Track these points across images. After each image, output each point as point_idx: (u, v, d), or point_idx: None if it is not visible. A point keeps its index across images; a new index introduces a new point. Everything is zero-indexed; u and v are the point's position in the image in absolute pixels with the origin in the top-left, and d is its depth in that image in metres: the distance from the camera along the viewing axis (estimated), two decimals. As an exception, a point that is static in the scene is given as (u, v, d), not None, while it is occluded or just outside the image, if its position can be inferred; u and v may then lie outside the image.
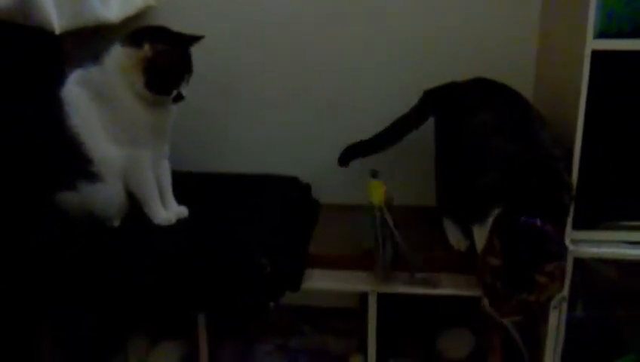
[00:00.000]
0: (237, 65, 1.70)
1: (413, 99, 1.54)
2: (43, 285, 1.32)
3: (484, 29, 1.60)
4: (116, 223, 1.40)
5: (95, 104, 1.34)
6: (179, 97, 1.36)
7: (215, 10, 1.68)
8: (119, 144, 1.35)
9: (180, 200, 1.45)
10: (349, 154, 1.57)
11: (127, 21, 1.59)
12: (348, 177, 1.72)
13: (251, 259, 1.26)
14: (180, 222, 1.42)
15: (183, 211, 1.43)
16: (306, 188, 1.69)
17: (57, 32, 1.47)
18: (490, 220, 1.21)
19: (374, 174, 1.47)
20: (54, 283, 1.32)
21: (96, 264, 1.31)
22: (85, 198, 1.35)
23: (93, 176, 1.34)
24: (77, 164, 1.34)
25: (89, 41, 1.54)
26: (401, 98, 1.56)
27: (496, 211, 1.21)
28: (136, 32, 1.36)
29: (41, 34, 1.46)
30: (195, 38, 1.37)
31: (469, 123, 1.35)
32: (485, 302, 1.30)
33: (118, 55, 1.33)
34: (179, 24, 1.59)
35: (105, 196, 1.36)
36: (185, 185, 1.49)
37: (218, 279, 1.28)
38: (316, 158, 1.73)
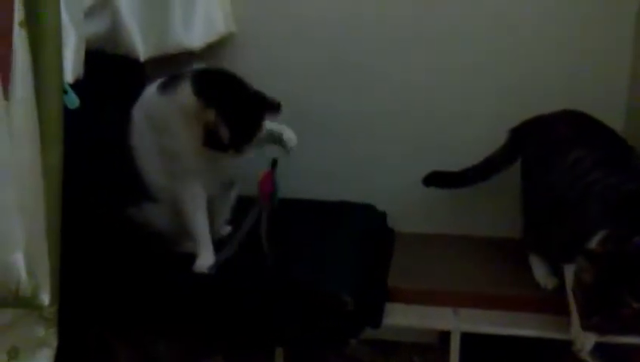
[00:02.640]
0: (317, 91, 1.68)
1: (498, 135, 1.50)
2: (118, 303, 1.32)
3: (575, 60, 1.55)
4: (190, 248, 1.37)
5: (152, 131, 1.32)
6: (239, 152, 1.30)
7: (294, 37, 1.67)
8: (170, 175, 1.32)
9: (254, 226, 1.41)
10: (435, 179, 1.56)
11: (209, 47, 1.60)
12: (423, 205, 1.69)
13: (334, 297, 1.23)
14: (257, 250, 1.39)
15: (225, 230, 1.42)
16: (382, 216, 1.66)
17: (142, 59, 1.51)
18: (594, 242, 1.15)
19: (274, 164, 1.40)
20: (132, 303, 1.32)
21: (174, 288, 1.31)
22: (148, 218, 1.35)
23: (149, 197, 1.33)
24: (133, 182, 1.33)
25: (171, 64, 1.56)
26: (485, 133, 1.54)
27: (601, 233, 1.14)
28: (210, 82, 1.30)
29: (127, 61, 1.50)
30: (270, 107, 1.30)
31: (561, 159, 1.30)
32: (576, 345, 1.25)
33: (185, 99, 1.28)
34: (258, 50, 1.60)
35: (163, 218, 1.35)
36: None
37: (299, 314, 1.25)
38: (391, 185, 1.70)
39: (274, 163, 1.39)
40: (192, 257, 1.36)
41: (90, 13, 1.36)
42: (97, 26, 1.39)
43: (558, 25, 1.55)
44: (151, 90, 1.35)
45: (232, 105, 1.27)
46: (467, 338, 1.37)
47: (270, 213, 1.39)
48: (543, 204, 1.36)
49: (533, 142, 1.43)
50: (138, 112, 1.35)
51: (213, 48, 1.63)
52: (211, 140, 1.27)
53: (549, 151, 1.35)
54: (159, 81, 1.35)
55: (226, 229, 1.43)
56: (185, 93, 1.28)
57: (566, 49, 1.56)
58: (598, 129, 1.36)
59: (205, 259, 1.34)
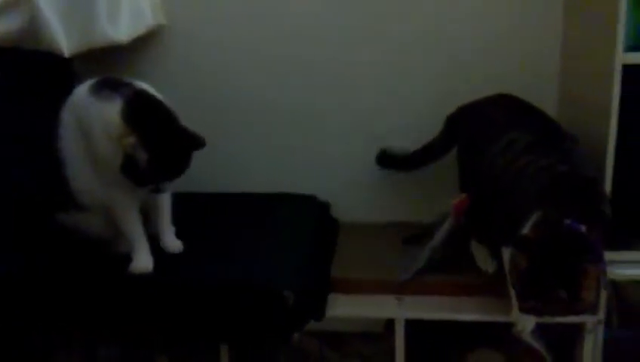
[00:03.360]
0: (252, 84, 1.65)
1: (432, 119, 1.50)
2: (57, 311, 1.28)
3: (507, 44, 1.56)
4: (126, 249, 1.32)
5: (81, 134, 1.25)
6: (156, 190, 1.25)
7: (226, 30, 1.63)
8: (100, 180, 1.27)
9: (194, 222, 1.40)
10: (385, 159, 1.61)
11: (138, 40, 1.55)
12: (367, 194, 1.69)
13: (274, 293, 1.21)
14: (197, 247, 1.36)
15: (177, 246, 1.34)
16: (325, 206, 1.64)
17: (67, 54, 1.44)
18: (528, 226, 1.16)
19: None
20: (69, 310, 1.28)
21: (114, 292, 1.27)
22: (78, 223, 1.31)
23: (77, 205, 1.29)
24: (62, 190, 1.28)
25: (102, 60, 1.50)
26: (420, 117, 1.54)
27: (534, 217, 1.15)
28: (139, 107, 1.22)
29: (51, 57, 1.43)
30: (193, 144, 1.22)
31: (495, 142, 1.31)
32: (517, 326, 1.27)
33: (112, 116, 1.21)
34: (189, 43, 1.56)
35: (95, 225, 1.31)
36: (199, 206, 1.45)
37: (238, 311, 1.23)
38: (334, 175, 1.69)
39: None
40: (128, 257, 1.32)
41: (3, 8, 1.29)
42: (12, 22, 1.32)
43: (490, 10, 1.56)
44: (82, 90, 1.29)
45: (154, 135, 1.20)
46: (413, 325, 1.37)
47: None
48: (478, 189, 1.37)
49: (468, 127, 1.44)
50: (67, 113, 1.29)
51: (142, 41, 1.57)
52: (128, 168, 1.20)
53: (483, 135, 1.36)
54: (92, 80, 1.29)
55: (172, 229, 1.38)
56: (113, 110, 1.21)
57: (499, 34, 1.56)
58: (530, 112, 1.37)
59: (141, 261, 1.29)
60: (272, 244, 1.39)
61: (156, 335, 1.31)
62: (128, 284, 1.28)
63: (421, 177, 1.66)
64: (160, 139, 1.21)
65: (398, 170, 1.61)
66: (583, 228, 1.09)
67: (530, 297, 1.11)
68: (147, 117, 1.22)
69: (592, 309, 1.17)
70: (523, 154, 1.25)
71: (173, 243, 1.35)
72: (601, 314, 1.30)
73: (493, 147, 1.30)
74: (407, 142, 1.57)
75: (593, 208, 1.15)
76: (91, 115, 1.24)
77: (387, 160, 1.62)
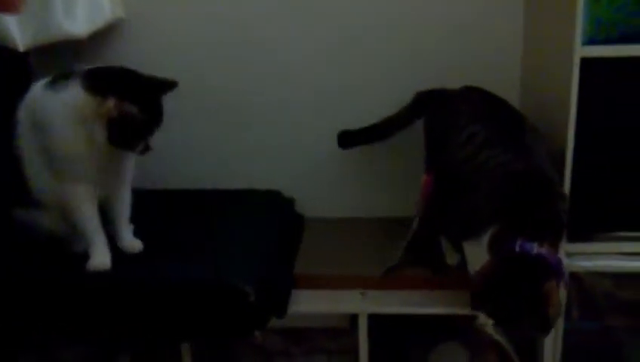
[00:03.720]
0: (212, 79, 1.63)
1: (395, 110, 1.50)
2: (16, 312, 1.26)
3: (470, 35, 1.55)
4: (83, 248, 1.30)
5: (35, 131, 1.23)
6: (145, 149, 1.24)
7: (187, 22, 1.60)
8: (56, 176, 1.24)
9: (153, 219, 1.38)
10: (346, 139, 1.57)
11: (97, 35, 1.52)
12: (331, 189, 1.69)
13: (234, 289, 1.20)
14: (157, 244, 1.34)
15: (136, 246, 1.32)
16: (290, 202, 1.63)
17: (21, 49, 1.41)
18: (486, 238, 1.18)
19: None
20: (28, 310, 1.26)
21: (73, 291, 1.25)
22: (35, 220, 1.28)
23: (34, 203, 1.26)
24: (19, 188, 1.26)
25: (60, 56, 1.46)
26: (383, 108, 1.52)
27: (491, 229, 1.17)
28: (101, 76, 1.22)
29: (5, 52, 1.39)
30: (167, 86, 1.24)
31: (459, 134, 1.31)
32: (479, 319, 1.27)
33: (77, 98, 1.19)
34: (148, 37, 1.54)
35: (52, 223, 1.28)
36: (158, 203, 1.43)
37: (199, 309, 1.22)
38: (298, 170, 1.68)
39: None
40: (85, 256, 1.30)
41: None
42: (-39, 15, 1.28)
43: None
44: (37, 87, 1.26)
45: (130, 85, 1.21)
46: (378, 320, 1.37)
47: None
48: (440, 182, 1.37)
49: (434, 113, 1.44)
50: (23, 112, 1.26)
51: (100, 35, 1.54)
52: (117, 136, 1.19)
53: (446, 125, 1.36)
54: (46, 78, 1.26)
55: (130, 227, 1.35)
56: (75, 92, 1.19)
57: (462, 25, 1.56)
58: (495, 105, 1.37)
59: (99, 258, 1.27)
60: (234, 241, 1.37)
61: (117, 334, 1.29)
62: (87, 283, 1.25)
63: (386, 172, 1.67)
64: (137, 87, 1.21)
65: (362, 144, 1.57)
66: (536, 248, 1.11)
67: (497, 321, 1.14)
68: (112, 78, 1.22)
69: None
70: (483, 149, 1.25)
71: (131, 242, 1.33)
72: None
73: (455, 139, 1.30)
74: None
75: (549, 216, 1.17)
76: (49, 109, 1.22)
77: (348, 138, 1.58)
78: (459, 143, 1.29)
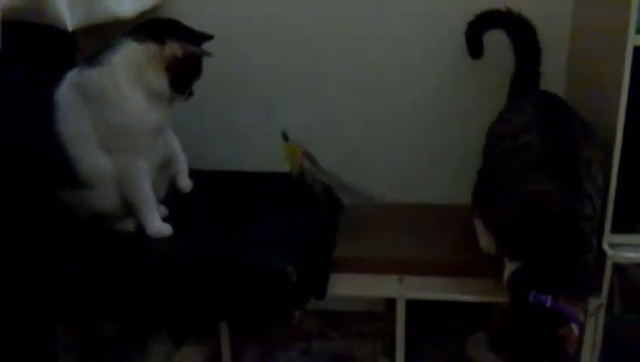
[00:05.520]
0: (251, 63, 1.64)
1: (427, 103, 1.54)
2: (56, 290, 1.28)
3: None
4: (130, 227, 1.35)
5: (88, 110, 1.26)
6: (191, 94, 1.32)
7: (234, 5, 1.61)
8: (112, 151, 1.27)
9: (195, 199, 1.39)
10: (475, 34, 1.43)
11: (144, 16, 1.53)
12: (371, 174, 1.68)
13: (276, 269, 1.21)
14: (199, 223, 1.37)
15: (189, 185, 1.38)
16: (328, 187, 1.63)
17: (70, 29, 1.43)
18: (506, 274, 1.21)
19: (285, 137, 1.44)
20: (69, 288, 1.28)
21: (113, 269, 1.27)
22: (83, 201, 1.31)
23: (81, 184, 1.29)
24: (63, 173, 1.28)
25: (106, 37, 1.48)
26: (417, 100, 1.53)
27: (511, 265, 1.20)
28: (150, 26, 1.28)
29: (55, 32, 1.42)
30: (207, 36, 1.31)
31: (515, 138, 1.25)
32: None
33: (131, 53, 1.25)
34: (194, 18, 1.54)
35: (100, 202, 1.30)
36: (200, 184, 1.44)
37: (241, 287, 1.24)
38: (338, 155, 1.68)
39: (285, 136, 1.44)
40: (129, 236, 1.34)
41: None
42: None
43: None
44: (75, 71, 1.29)
45: (180, 31, 1.28)
46: (414, 304, 1.37)
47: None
48: (487, 174, 1.36)
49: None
50: (66, 95, 1.28)
51: (147, 16, 1.55)
52: (178, 78, 1.26)
53: (507, 121, 1.32)
54: (79, 66, 1.30)
55: (162, 210, 1.38)
56: (129, 49, 1.25)
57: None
58: (560, 118, 1.28)
59: (160, 224, 1.32)
60: (274, 223, 1.39)
61: (157, 312, 1.31)
62: (130, 262, 1.28)
63: (426, 159, 1.66)
64: (186, 31, 1.28)
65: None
66: (550, 301, 1.12)
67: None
68: (162, 26, 1.29)
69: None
70: (528, 167, 1.21)
71: (186, 182, 1.37)
72: (603, 298, 1.29)
73: (511, 140, 1.26)
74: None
75: (570, 271, 1.16)
76: (104, 79, 1.24)
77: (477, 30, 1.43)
78: (512, 148, 1.25)
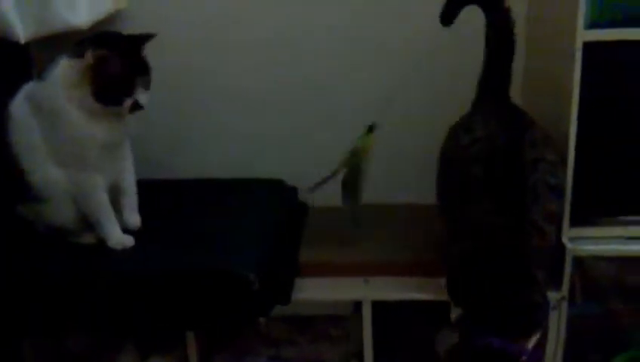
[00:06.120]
0: (217, 67, 1.63)
1: (402, 97, 1.50)
2: (19, 304, 1.26)
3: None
4: (90, 240, 1.33)
5: (38, 122, 1.24)
6: (136, 107, 1.24)
7: (190, 12, 1.60)
8: (64, 165, 1.25)
9: (155, 209, 1.38)
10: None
11: (98, 26, 1.52)
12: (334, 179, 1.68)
13: (239, 276, 1.20)
14: (161, 234, 1.35)
15: (136, 221, 1.35)
16: (293, 191, 1.63)
17: (22, 41, 1.41)
18: (455, 315, 1.24)
19: (371, 129, 1.40)
20: (32, 302, 1.26)
21: (74, 282, 1.26)
22: (40, 215, 1.30)
23: (36, 198, 1.27)
24: (17, 185, 1.26)
25: (64, 49, 1.47)
26: (387, 95, 1.51)
27: (456, 311, 1.22)
28: (81, 41, 1.24)
29: (8, 44, 1.40)
30: (145, 38, 1.25)
31: (463, 165, 1.23)
32: None
33: (62, 68, 1.21)
34: (152, 27, 1.53)
35: (56, 216, 1.29)
36: (160, 193, 1.43)
37: (204, 297, 1.23)
38: (300, 159, 1.68)
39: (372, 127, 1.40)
40: (90, 248, 1.32)
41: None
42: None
43: None
44: (30, 84, 1.28)
45: (107, 39, 1.22)
46: (381, 306, 1.37)
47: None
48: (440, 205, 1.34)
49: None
50: (20, 107, 1.26)
51: (102, 26, 1.53)
52: (100, 88, 1.19)
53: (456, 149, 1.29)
54: (34, 79, 1.29)
55: (137, 219, 1.37)
56: (61, 65, 1.22)
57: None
58: (512, 137, 1.22)
59: (117, 236, 1.30)
60: (237, 229, 1.37)
61: (122, 324, 1.29)
62: (92, 274, 1.26)
63: (388, 160, 1.66)
64: (113, 38, 1.24)
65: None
66: (497, 341, 1.11)
67: None
68: (90, 38, 1.24)
69: None
70: (476, 196, 1.19)
71: (134, 219, 1.35)
72: (565, 291, 1.30)
73: (455, 171, 1.26)
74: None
75: (517, 311, 1.13)
76: (48, 94, 1.23)
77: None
78: (458, 178, 1.24)
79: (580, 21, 1.20)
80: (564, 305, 1.31)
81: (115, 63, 1.19)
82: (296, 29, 1.60)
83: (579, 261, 1.32)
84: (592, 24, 1.22)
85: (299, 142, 1.68)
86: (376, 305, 1.36)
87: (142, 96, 1.23)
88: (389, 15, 1.58)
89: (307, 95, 1.65)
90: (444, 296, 1.33)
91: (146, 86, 1.24)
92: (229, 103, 1.66)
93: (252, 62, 1.63)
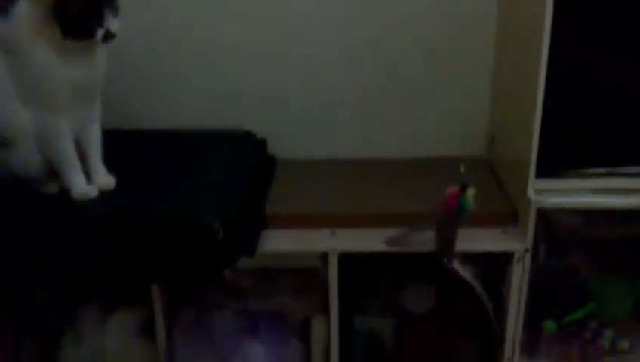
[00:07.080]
0: (185, 13, 1.58)
1: (365, 53, 1.52)
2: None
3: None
4: (54, 188, 1.30)
5: (3, 60, 1.19)
6: (108, 36, 1.18)
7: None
8: (31, 106, 1.21)
9: (120, 160, 1.34)
10: None
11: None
12: (305, 131, 1.67)
13: (202, 226, 1.18)
14: (125, 184, 1.32)
15: (109, 182, 1.31)
16: (262, 143, 1.61)
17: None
18: None
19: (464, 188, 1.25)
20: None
21: (37, 233, 1.22)
22: (4, 161, 1.26)
23: (1, 143, 1.23)
24: None
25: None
26: (354, 49, 1.52)
27: None
28: None
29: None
30: None
31: None
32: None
33: (25, 10, 1.16)
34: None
35: (20, 162, 1.25)
36: (129, 144, 1.40)
37: (167, 248, 1.20)
38: (271, 112, 1.65)
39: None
40: (53, 197, 1.29)
41: None
42: None
43: None
44: None
45: None
46: (348, 258, 1.37)
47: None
48: None
49: None
50: None
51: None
52: (68, 24, 1.14)
53: None
54: None
55: (110, 180, 1.32)
56: (23, 6, 1.16)
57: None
58: None
59: (84, 186, 1.28)
60: (203, 181, 1.35)
61: (84, 277, 1.27)
62: (54, 225, 1.23)
63: (355, 113, 1.65)
64: None
65: None
66: None
67: None
68: None
69: None
70: None
71: (105, 178, 1.31)
72: (528, 243, 1.31)
73: None
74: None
75: None
76: (11, 29, 1.17)
77: None
78: None
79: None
80: (528, 257, 1.32)
81: None
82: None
83: (543, 214, 1.32)
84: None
85: (267, 93, 1.64)
86: (344, 258, 1.35)
87: (113, 24, 1.18)
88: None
89: (275, 48, 1.62)
90: (411, 248, 1.34)
91: (115, 12, 1.19)
92: (200, 54, 1.61)
93: (227, 12, 1.58)
